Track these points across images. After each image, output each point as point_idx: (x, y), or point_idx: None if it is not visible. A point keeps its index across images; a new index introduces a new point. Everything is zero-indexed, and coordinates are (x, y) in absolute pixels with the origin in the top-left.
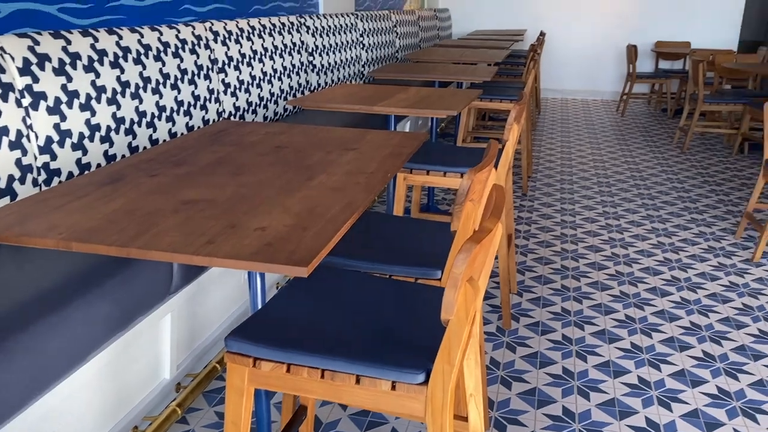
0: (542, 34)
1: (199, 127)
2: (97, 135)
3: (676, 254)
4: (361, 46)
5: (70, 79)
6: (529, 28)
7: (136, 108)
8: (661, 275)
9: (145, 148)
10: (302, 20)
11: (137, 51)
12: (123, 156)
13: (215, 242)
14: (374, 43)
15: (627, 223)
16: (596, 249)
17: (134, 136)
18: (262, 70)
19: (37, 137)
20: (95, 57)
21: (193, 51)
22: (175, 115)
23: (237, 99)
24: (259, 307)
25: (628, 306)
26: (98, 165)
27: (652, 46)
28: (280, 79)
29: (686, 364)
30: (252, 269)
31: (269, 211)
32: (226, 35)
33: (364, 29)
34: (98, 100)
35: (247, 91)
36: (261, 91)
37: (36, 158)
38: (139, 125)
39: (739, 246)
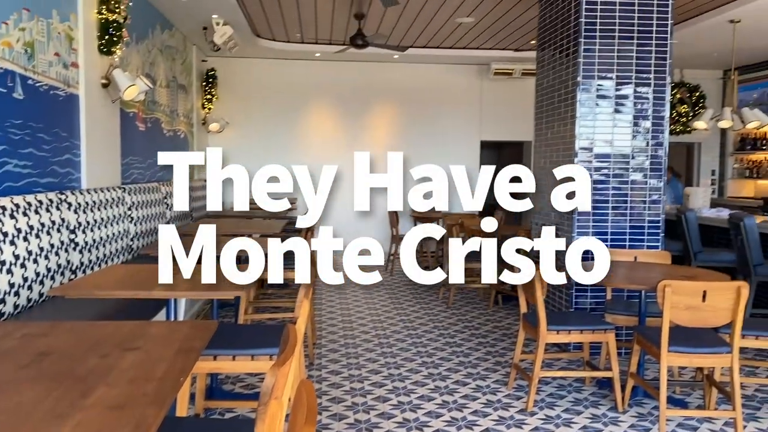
0: None
1: None
2: None
3: (461, 412)
4: (129, 219)
5: None
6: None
7: None
8: None
9: None
10: (63, 197)
11: None
12: None
13: None
14: (143, 216)
15: (412, 384)
16: (388, 416)
17: None
18: (13, 253)
19: None
20: None
21: None
22: None
23: None
24: None
25: None
26: None
27: (410, 211)
28: (35, 261)
29: None
30: None
31: None
32: None
33: (132, 202)
34: None
35: None
36: (12, 276)
37: None
38: None
39: (513, 396)
